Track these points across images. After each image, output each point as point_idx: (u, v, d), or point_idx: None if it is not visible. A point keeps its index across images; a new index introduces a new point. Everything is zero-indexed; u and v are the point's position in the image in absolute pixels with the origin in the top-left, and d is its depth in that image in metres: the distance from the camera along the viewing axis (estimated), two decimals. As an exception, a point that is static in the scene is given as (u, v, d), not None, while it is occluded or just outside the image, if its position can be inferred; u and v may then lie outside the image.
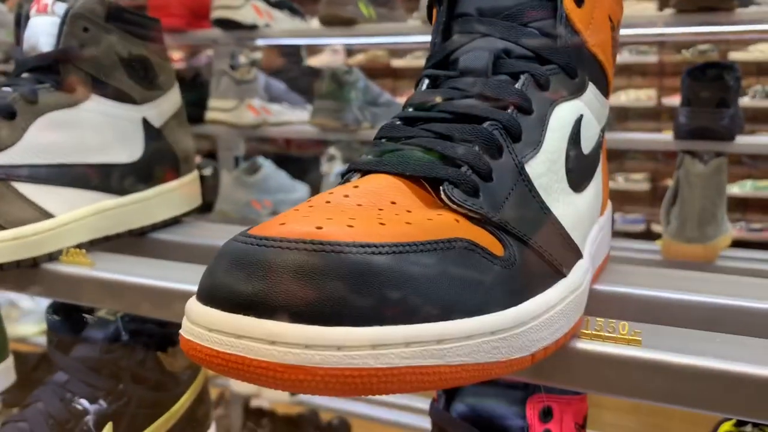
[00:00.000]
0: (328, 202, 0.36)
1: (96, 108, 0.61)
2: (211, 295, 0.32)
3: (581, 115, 0.46)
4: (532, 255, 0.38)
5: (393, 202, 0.37)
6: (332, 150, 3.12)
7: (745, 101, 2.71)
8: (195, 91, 1.66)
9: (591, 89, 0.47)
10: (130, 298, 0.53)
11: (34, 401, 0.65)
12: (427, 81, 0.47)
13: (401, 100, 1.94)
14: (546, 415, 0.52)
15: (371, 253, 0.31)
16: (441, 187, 0.38)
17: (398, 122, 0.44)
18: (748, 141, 1.45)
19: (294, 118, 1.75)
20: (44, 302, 2.10)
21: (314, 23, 1.80)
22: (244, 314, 0.30)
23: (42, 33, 0.60)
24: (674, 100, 2.86)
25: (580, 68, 0.46)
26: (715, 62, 1.43)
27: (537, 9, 0.46)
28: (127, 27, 0.62)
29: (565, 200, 0.43)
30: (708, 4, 1.27)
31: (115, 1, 0.63)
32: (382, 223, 0.33)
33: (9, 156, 0.57)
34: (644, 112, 3.02)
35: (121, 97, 0.62)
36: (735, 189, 2.85)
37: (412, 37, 1.69)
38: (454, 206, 0.37)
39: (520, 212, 0.39)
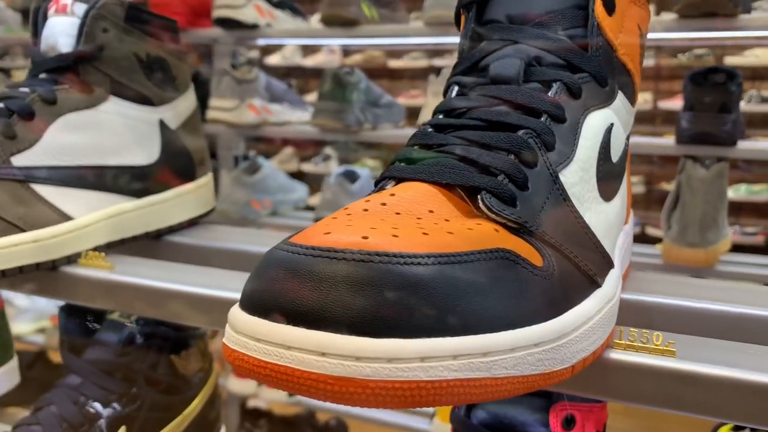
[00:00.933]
0: (366, 210, 0.36)
1: (114, 109, 0.60)
2: (257, 305, 0.31)
3: (612, 124, 0.46)
4: (569, 265, 0.38)
5: (430, 211, 0.37)
6: (328, 150, 3.12)
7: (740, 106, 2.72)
8: (195, 90, 1.65)
9: (620, 97, 0.47)
10: (151, 302, 0.52)
11: (47, 404, 0.65)
12: (456, 88, 0.46)
13: (400, 101, 1.93)
14: (569, 423, 0.52)
15: (418, 264, 0.31)
16: (478, 196, 0.37)
17: (429, 129, 0.44)
18: (750, 146, 1.46)
19: (294, 118, 1.74)
20: (40, 301, 2.09)
21: (314, 22, 1.80)
22: (294, 325, 0.30)
23: (61, 33, 0.59)
24: (670, 104, 2.87)
25: (610, 77, 0.46)
26: (717, 67, 1.44)
27: (568, 17, 0.46)
28: (145, 28, 0.62)
29: (596, 209, 0.43)
30: (712, 10, 1.27)
31: (130, 0, 0.62)
32: (425, 233, 0.33)
33: (28, 157, 0.56)
34: (640, 115, 3.02)
35: (139, 98, 0.62)
36: (729, 193, 2.85)
37: (415, 39, 1.69)
38: (493, 215, 0.37)
39: (556, 222, 0.39)
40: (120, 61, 0.60)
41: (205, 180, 0.69)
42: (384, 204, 0.37)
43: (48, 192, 0.56)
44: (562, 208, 0.40)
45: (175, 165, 0.65)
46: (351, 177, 1.68)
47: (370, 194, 0.40)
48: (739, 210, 2.97)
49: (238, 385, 1.65)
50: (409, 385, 0.29)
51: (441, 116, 0.44)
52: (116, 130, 0.60)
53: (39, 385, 1.49)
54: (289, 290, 0.30)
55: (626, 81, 0.48)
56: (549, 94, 0.43)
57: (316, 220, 1.66)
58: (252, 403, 1.74)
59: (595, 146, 0.44)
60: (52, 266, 0.55)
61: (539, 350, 0.33)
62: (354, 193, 1.65)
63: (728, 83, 1.38)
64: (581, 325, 0.37)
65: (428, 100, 1.54)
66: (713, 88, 1.38)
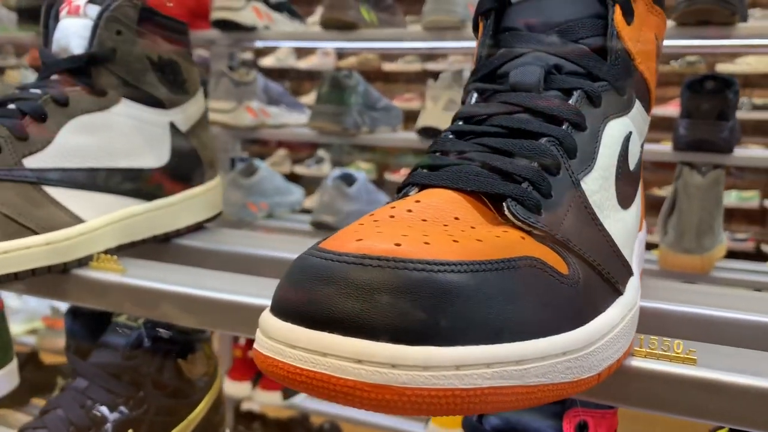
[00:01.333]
0: (392, 216, 0.36)
1: (126, 112, 0.60)
2: (291, 311, 0.31)
3: (630, 132, 0.46)
4: (593, 273, 0.39)
5: (456, 218, 0.37)
6: (321, 152, 3.12)
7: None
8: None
9: (637, 106, 0.47)
10: (165, 306, 0.52)
11: (54, 407, 0.64)
12: (475, 95, 0.46)
13: (398, 104, 1.94)
14: (582, 429, 0.52)
15: (451, 271, 0.31)
16: (504, 204, 0.38)
17: (450, 135, 0.44)
18: (746, 154, 1.47)
19: (291, 120, 1.74)
20: (32, 302, 2.07)
21: (310, 24, 1.80)
22: (329, 332, 0.30)
23: (73, 35, 0.59)
24: (661, 110, 2.89)
25: (628, 85, 0.46)
26: (714, 75, 1.45)
27: (587, 25, 0.46)
28: (157, 30, 0.62)
29: (615, 217, 0.43)
30: (709, 19, 1.28)
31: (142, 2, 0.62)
32: (455, 240, 0.33)
33: (40, 159, 0.56)
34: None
35: (150, 101, 0.62)
36: (720, 199, 2.87)
37: (413, 43, 1.69)
38: (518, 223, 0.37)
39: (579, 230, 0.39)
40: (132, 63, 0.60)
41: (213, 183, 0.69)
42: (410, 211, 0.37)
43: (60, 194, 0.56)
44: (585, 216, 0.40)
45: (185, 168, 0.65)
46: (348, 180, 1.68)
47: (394, 200, 0.40)
48: (730, 216, 2.99)
49: (232, 388, 1.65)
50: (444, 393, 0.29)
51: (461, 123, 0.44)
52: (127, 132, 0.60)
53: (30, 386, 1.48)
54: (324, 297, 0.30)
55: (643, 89, 0.49)
56: (570, 102, 0.43)
57: (314, 223, 1.66)
58: (246, 406, 1.74)
59: (615, 154, 0.44)
60: (64, 269, 0.55)
61: (568, 358, 0.34)
62: (351, 196, 1.65)
63: (725, 91, 1.39)
64: (607, 333, 0.37)
65: (427, 104, 1.54)
66: (710, 95, 1.39)
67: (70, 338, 0.68)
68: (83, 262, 0.56)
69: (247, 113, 1.64)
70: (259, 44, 1.98)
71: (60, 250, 0.54)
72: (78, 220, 0.56)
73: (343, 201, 1.64)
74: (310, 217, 1.68)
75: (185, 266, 0.57)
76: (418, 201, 0.38)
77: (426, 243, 0.32)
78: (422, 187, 0.40)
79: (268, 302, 0.45)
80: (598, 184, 0.42)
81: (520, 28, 0.47)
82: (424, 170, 0.42)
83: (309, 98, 2.76)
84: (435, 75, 1.62)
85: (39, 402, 1.58)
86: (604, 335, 0.36)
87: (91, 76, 0.59)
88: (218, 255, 0.64)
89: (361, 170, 2.95)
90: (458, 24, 1.44)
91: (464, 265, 0.31)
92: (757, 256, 2.73)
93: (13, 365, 0.91)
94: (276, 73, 3.09)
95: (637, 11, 0.47)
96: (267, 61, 3.12)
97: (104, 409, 0.64)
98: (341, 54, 3.09)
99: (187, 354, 0.69)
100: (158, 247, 0.64)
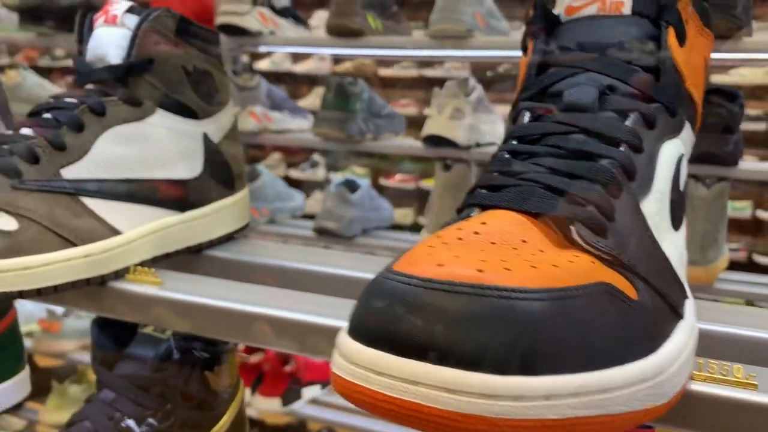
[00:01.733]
0: (461, 239, 0.36)
1: (161, 122, 0.60)
2: (376, 337, 0.31)
3: (681, 155, 0.46)
4: (657, 297, 0.39)
5: (523, 240, 0.37)
6: (315, 156, 3.11)
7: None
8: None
9: (687, 127, 0.47)
10: (206, 320, 0.52)
11: (81, 419, 0.64)
12: (528, 114, 0.46)
13: (399, 110, 1.94)
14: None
15: (536, 300, 0.31)
16: (571, 227, 0.37)
17: (506, 155, 0.43)
18: (752, 167, 1.48)
19: (294, 126, 1.74)
20: (27, 305, 2.05)
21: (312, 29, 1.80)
22: (420, 360, 0.29)
23: (111, 45, 0.58)
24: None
25: (679, 107, 0.46)
26: (720, 88, 1.45)
27: (641, 47, 0.46)
28: (193, 41, 0.61)
29: (669, 239, 0.43)
30: (717, 32, 1.28)
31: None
32: (533, 266, 0.33)
33: (78, 169, 0.55)
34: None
35: (185, 112, 0.61)
36: (712, 209, 2.89)
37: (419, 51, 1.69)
38: (587, 247, 0.37)
39: (641, 253, 0.39)
40: (169, 74, 0.59)
41: (243, 194, 0.69)
42: (477, 233, 0.36)
43: (97, 205, 0.55)
44: (646, 239, 0.40)
45: (217, 178, 0.64)
46: (351, 186, 1.68)
47: (458, 220, 0.39)
48: (722, 226, 3.01)
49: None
50: (534, 423, 0.29)
51: (515, 142, 0.44)
52: (162, 143, 0.60)
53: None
54: (413, 324, 0.30)
55: (691, 110, 0.49)
56: (627, 123, 0.43)
57: (316, 229, 1.65)
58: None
59: (669, 176, 0.44)
60: (101, 281, 0.55)
61: (647, 385, 0.34)
62: (354, 202, 1.65)
63: (731, 104, 1.40)
64: (676, 359, 0.37)
65: (432, 111, 1.54)
66: (716, 108, 1.40)
67: (97, 349, 0.67)
68: (120, 274, 0.56)
69: (250, 118, 1.63)
70: (262, 49, 1.97)
71: (98, 262, 0.54)
72: (115, 232, 0.56)
73: (346, 207, 1.64)
74: (312, 223, 1.67)
75: (221, 279, 0.57)
76: (483, 223, 0.38)
77: (506, 269, 0.32)
78: (484, 207, 0.40)
79: (320, 320, 0.44)
80: (656, 207, 0.42)
81: (572, 48, 0.47)
82: (484, 191, 0.41)
83: (305, 102, 2.76)
84: (431, 81, 1.62)
85: (34, 406, 1.57)
86: (674, 361, 0.36)
87: (128, 86, 0.58)
88: (249, 266, 0.64)
89: (356, 175, 2.95)
90: (465, 33, 1.44)
91: (546, 292, 0.31)
92: (749, 266, 2.75)
93: (25, 373, 0.90)
94: (272, 77, 3.08)
95: (688, 33, 0.47)
96: (262, 65, 3.11)
97: (132, 422, 0.63)
98: (337, 59, 3.08)
99: (214, 365, 0.68)
100: (190, 258, 0.64)
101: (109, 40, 0.58)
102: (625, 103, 0.44)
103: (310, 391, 1.67)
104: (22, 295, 0.50)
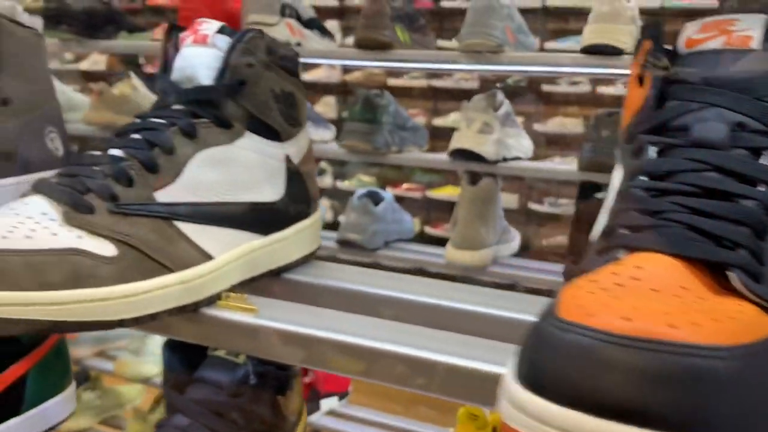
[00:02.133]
0: (620, 284, 0.35)
1: (249, 145, 0.59)
2: (563, 393, 0.30)
3: (805, 193, 0.45)
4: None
5: (683, 287, 0.36)
6: (323, 164, 3.10)
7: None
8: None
9: None
10: (311, 350, 0.50)
11: (155, 445, 0.62)
12: (653, 148, 0.45)
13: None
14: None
15: (730, 359, 0.30)
16: (731, 274, 0.37)
17: (641, 193, 0.42)
18: None
19: (317, 137, 1.73)
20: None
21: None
22: (619, 422, 0.28)
23: (201, 65, 0.57)
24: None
25: None
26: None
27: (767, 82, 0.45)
28: (279, 62, 0.60)
29: None
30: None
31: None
32: (713, 320, 0.32)
33: (170, 193, 0.54)
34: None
35: (270, 134, 0.60)
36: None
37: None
38: (750, 294, 0.36)
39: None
40: (259, 96, 0.58)
41: (317, 215, 0.67)
42: (636, 279, 0.35)
43: (189, 229, 0.54)
44: (789, 282, 0.39)
45: (297, 201, 0.63)
46: (374, 198, 1.67)
47: (605, 264, 0.38)
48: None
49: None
50: None
51: (645, 178, 0.43)
52: (250, 166, 0.59)
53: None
54: (610, 383, 0.29)
55: None
56: (761, 161, 0.42)
57: (340, 241, 1.64)
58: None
59: (799, 216, 0.43)
60: (195, 308, 0.53)
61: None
62: (377, 215, 1.64)
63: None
64: None
65: (460, 124, 1.54)
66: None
67: (168, 372, 0.66)
68: (211, 300, 0.55)
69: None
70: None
71: (193, 288, 0.53)
72: (207, 257, 0.54)
73: (369, 220, 1.63)
74: (335, 235, 1.66)
75: (317, 307, 0.56)
76: (638, 267, 0.37)
77: (694, 324, 0.31)
78: (630, 249, 0.39)
79: (437, 356, 0.43)
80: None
81: (697, 82, 0.46)
82: (626, 231, 0.40)
83: (317, 110, 2.75)
84: (439, 91, 1.61)
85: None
86: None
87: (219, 107, 0.57)
88: (327, 290, 0.62)
89: (364, 183, 2.94)
90: (495, 48, 1.43)
91: (735, 350, 0.30)
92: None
93: (72, 388, 0.88)
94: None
95: (813, 67, 0.46)
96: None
97: (206, 449, 0.62)
98: (347, 68, 3.07)
99: (286, 390, 0.67)
100: (270, 281, 0.62)
101: (200, 61, 0.57)
102: (758, 141, 0.43)
103: (328, 403, 1.66)
104: (122, 323, 0.49)
